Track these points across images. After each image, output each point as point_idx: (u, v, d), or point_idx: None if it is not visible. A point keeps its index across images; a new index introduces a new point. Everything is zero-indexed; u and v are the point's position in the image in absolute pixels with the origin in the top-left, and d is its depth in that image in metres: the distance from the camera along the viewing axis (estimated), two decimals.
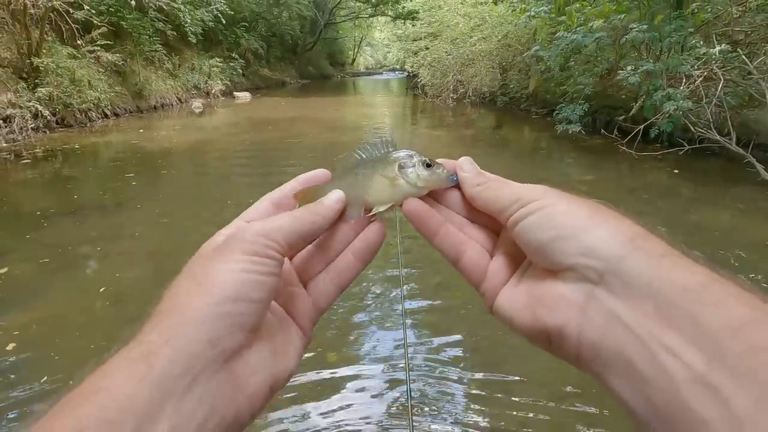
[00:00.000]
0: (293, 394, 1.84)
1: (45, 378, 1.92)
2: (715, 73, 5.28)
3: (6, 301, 2.49)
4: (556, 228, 0.29)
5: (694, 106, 5.29)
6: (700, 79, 5.37)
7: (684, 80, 5.53)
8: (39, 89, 7.33)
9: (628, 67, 5.89)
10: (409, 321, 2.36)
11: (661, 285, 0.24)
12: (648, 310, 0.24)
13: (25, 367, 2.00)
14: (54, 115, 7.52)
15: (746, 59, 5.09)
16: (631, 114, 6.61)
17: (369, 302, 2.54)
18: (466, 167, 0.38)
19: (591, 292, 0.27)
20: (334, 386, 1.92)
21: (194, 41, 12.48)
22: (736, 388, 0.20)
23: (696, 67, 5.48)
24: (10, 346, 2.11)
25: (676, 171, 5.19)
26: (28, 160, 5.67)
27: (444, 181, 0.37)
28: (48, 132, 7.29)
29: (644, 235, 0.28)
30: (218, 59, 14.31)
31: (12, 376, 1.93)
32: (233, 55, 15.52)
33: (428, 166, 0.37)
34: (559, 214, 0.30)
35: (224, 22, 13.59)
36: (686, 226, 3.62)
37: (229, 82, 14.64)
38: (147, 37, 10.72)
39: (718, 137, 5.24)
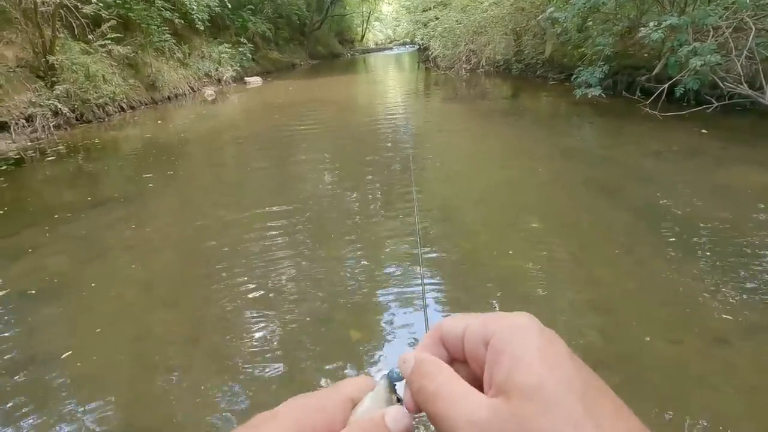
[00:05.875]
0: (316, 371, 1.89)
1: (83, 366, 2.02)
2: (746, 22, 4.95)
3: (40, 293, 2.62)
4: None
5: (722, 59, 4.99)
6: (729, 30, 5.05)
7: (711, 33, 5.21)
8: (56, 87, 7.47)
9: (651, 23, 5.58)
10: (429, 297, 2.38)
11: None
12: None
13: (65, 358, 2.10)
14: (73, 111, 7.68)
15: None
16: (654, 73, 6.30)
17: (391, 281, 2.56)
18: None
19: None
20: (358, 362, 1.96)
21: (202, 28, 12.43)
22: None
23: (724, 17, 5.15)
24: (60, 351, 2.22)
25: (704, 130, 4.95)
26: (53, 157, 5.84)
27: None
28: (69, 129, 7.47)
29: None
30: (227, 45, 14.25)
31: (52, 369, 2.04)
32: (241, 39, 15.42)
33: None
34: None
35: (230, 6, 13.45)
36: (715, 188, 3.48)
37: (239, 68, 14.60)
38: (156, 27, 10.73)
39: (749, 91, 4.96)
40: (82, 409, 1.77)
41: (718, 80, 5.19)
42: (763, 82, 4.90)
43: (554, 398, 0.22)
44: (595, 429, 0.21)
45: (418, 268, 2.61)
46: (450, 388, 0.25)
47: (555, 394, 0.22)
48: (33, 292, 2.62)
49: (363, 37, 37.51)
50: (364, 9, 34.11)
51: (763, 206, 3.04)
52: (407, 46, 31.29)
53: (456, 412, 0.24)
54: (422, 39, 15.76)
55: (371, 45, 39.47)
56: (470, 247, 2.85)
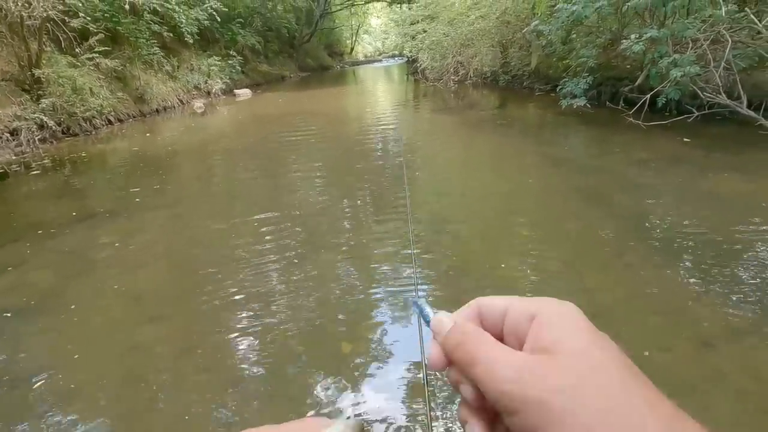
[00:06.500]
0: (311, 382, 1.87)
1: (69, 384, 1.97)
2: (723, 35, 5.12)
3: (27, 309, 2.55)
4: None
5: (701, 70, 5.14)
6: (707, 42, 5.22)
7: (690, 45, 5.37)
8: (42, 100, 7.39)
9: (632, 36, 5.74)
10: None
11: None
12: None
13: (50, 375, 2.05)
14: (59, 125, 7.59)
15: (755, 18, 4.92)
16: (636, 84, 6.46)
17: (382, 291, 2.55)
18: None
19: None
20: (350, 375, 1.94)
21: (191, 41, 12.44)
22: None
23: (702, 30, 5.31)
24: (43, 368, 2.16)
25: (687, 139, 5.07)
26: (38, 171, 5.75)
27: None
28: (55, 142, 7.37)
29: None
30: (216, 58, 14.28)
31: (37, 387, 1.98)
32: (231, 52, 15.47)
33: None
34: None
35: (219, 19, 13.51)
36: (699, 195, 3.56)
37: (228, 80, 14.62)
38: (144, 40, 10.72)
39: (728, 101, 5.10)
40: (68, 429, 1.72)
41: (698, 90, 5.33)
42: (741, 92, 5.04)
43: (601, 362, 0.22)
44: (645, 402, 0.22)
45: (412, 276, 2.61)
46: (491, 343, 0.26)
47: (602, 359, 0.23)
48: (13, 310, 2.55)
49: (352, 49, 37.90)
50: (353, 22, 34.55)
51: (747, 212, 3.10)
52: (396, 59, 31.70)
53: (497, 356, 0.25)
54: (411, 51, 15.96)
55: (360, 57, 39.87)
56: (463, 257, 2.86)
